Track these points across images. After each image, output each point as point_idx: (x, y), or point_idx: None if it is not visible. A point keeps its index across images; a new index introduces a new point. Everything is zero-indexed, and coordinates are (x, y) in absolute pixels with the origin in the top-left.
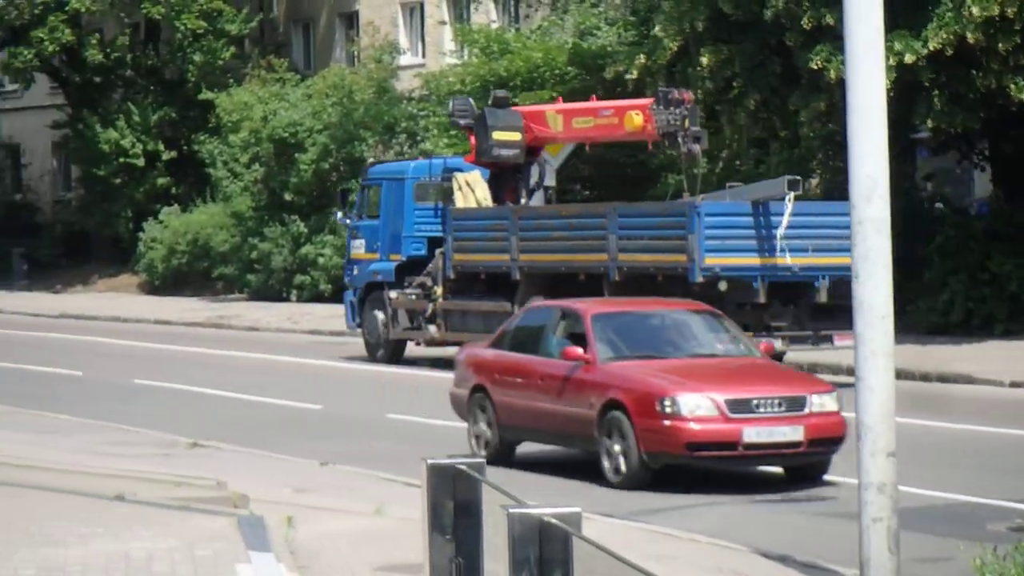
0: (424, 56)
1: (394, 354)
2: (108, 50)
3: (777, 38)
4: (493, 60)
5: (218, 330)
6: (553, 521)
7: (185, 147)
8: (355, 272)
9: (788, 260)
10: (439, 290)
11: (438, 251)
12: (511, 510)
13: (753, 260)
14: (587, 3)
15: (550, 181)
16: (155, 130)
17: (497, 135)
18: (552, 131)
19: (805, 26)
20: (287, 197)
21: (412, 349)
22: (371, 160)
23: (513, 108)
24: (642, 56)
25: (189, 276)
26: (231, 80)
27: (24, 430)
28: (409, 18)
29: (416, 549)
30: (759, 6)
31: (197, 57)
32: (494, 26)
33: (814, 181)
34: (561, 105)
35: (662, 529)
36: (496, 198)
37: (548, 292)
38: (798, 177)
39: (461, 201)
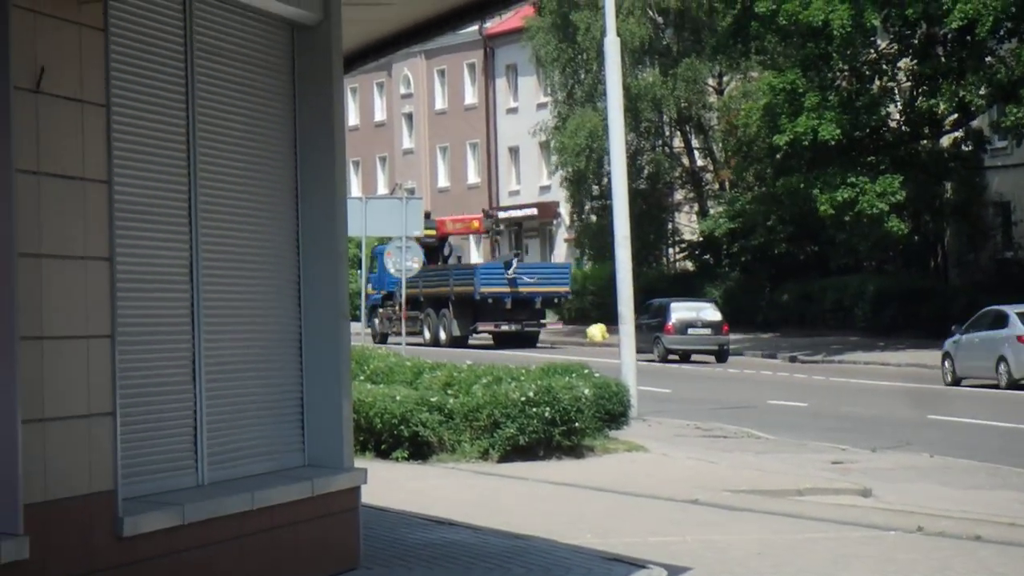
0: None
1: (383, 340)
2: None
3: None
4: None
5: None
6: None
7: None
8: (367, 300)
9: (521, 289)
10: (399, 308)
11: (398, 288)
12: None
13: (504, 289)
14: None
15: (459, 254)
16: None
17: (424, 231)
18: (447, 230)
19: None
20: None
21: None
22: (378, 244)
23: (433, 219)
24: None
25: None
26: None
27: None
28: None
29: None
30: None
31: None
32: None
33: None
34: (451, 218)
35: None
36: (429, 263)
37: (433, 307)
38: (517, 251)
39: None
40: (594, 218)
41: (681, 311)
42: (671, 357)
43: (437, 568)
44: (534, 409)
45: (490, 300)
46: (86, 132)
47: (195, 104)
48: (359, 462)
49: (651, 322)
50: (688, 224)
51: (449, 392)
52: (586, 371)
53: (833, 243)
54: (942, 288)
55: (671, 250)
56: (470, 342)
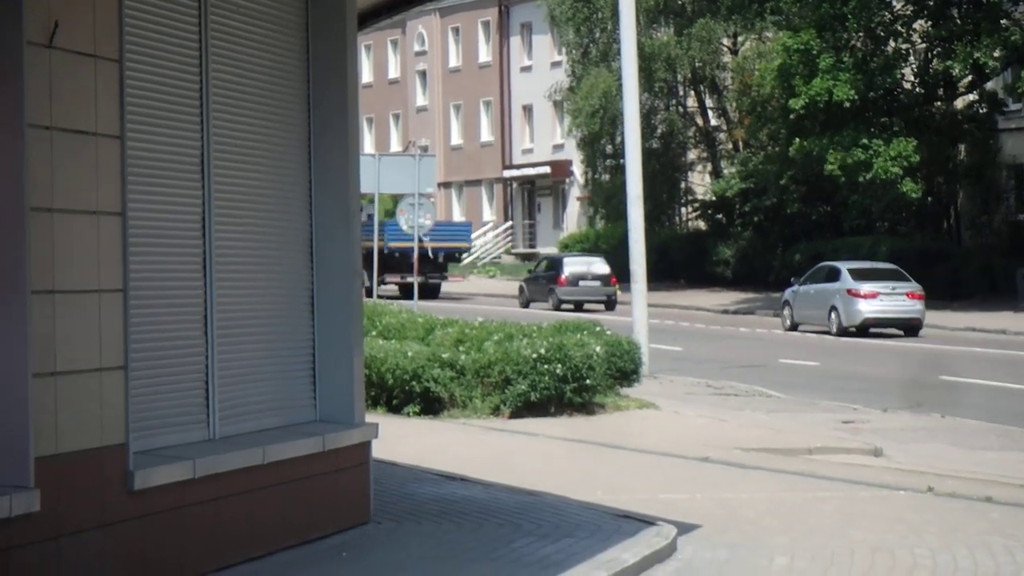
0: None
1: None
2: None
3: None
4: None
5: None
6: None
7: None
8: None
9: (425, 244)
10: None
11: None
12: None
13: (410, 244)
14: None
15: (369, 212)
16: None
17: None
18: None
19: None
20: None
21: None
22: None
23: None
24: None
25: None
26: None
27: None
28: None
29: None
30: None
31: None
32: None
33: None
34: None
35: None
36: None
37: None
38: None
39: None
40: (607, 177)
41: (573, 265)
42: (564, 307)
43: (447, 523)
44: (545, 366)
45: (397, 254)
46: (99, 87)
47: (209, 59)
48: (370, 417)
49: (546, 275)
50: (701, 184)
51: (461, 348)
52: (598, 328)
53: (846, 204)
54: (955, 250)
55: (684, 209)
56: (377, 293)
